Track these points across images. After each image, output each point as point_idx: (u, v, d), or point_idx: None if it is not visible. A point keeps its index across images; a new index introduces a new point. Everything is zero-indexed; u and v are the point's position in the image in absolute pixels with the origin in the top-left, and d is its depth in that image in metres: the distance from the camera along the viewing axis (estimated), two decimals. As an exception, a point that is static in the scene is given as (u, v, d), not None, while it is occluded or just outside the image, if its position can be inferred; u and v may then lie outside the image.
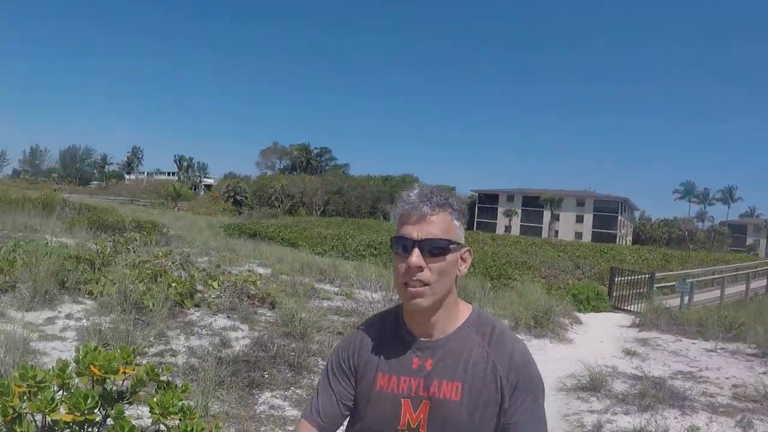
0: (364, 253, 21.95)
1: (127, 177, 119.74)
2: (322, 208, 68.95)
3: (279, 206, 67.32)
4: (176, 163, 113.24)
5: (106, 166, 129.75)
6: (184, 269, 8.54)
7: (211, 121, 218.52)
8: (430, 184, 1.48)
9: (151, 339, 5.71)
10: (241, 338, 6.25)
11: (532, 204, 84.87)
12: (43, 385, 1.85)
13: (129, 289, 6.58)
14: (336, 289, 10.13)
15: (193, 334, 6.16)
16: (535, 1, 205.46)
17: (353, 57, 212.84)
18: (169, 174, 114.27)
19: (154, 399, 1.93)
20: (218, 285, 7.85)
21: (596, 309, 12.95)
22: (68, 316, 6.19)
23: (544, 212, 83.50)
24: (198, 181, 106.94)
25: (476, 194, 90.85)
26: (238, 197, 69.75)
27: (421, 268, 1.37)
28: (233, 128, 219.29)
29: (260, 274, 9.36)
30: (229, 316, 6.98)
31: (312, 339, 6.43)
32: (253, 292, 8.00)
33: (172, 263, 8.83)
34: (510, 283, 15.53)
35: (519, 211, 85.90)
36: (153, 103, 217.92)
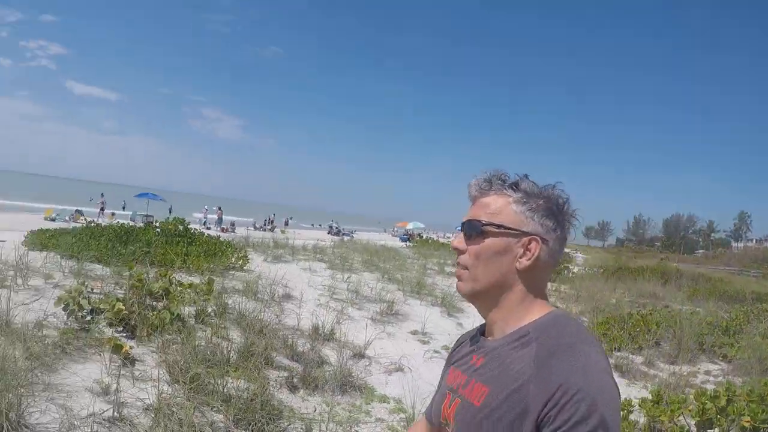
0: None
1: (734, 244, 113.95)
2: None
3: None
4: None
5: (712, 234, 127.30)
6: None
7: None
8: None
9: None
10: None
11: None
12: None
13: (764, 355, 7.10)
14: None
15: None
16: None
17: None
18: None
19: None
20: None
21: None
22: (706, 373, 7.20)
23: None
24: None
25: None
26: None
27: (459, 251, 1.33)
28: None
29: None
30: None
31: None
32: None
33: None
34: None
35: None
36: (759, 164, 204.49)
